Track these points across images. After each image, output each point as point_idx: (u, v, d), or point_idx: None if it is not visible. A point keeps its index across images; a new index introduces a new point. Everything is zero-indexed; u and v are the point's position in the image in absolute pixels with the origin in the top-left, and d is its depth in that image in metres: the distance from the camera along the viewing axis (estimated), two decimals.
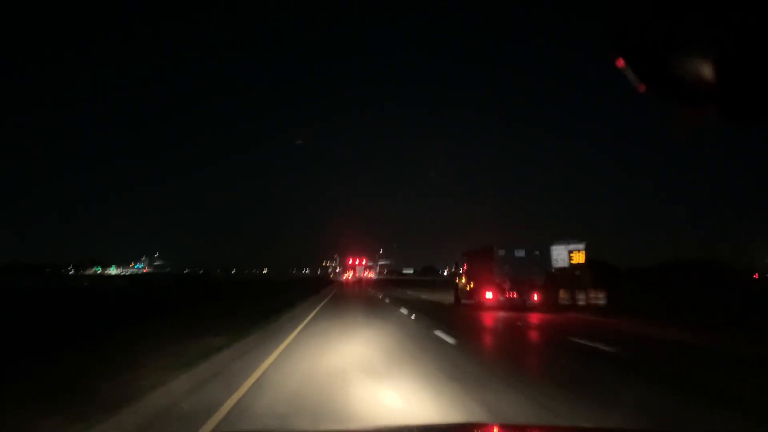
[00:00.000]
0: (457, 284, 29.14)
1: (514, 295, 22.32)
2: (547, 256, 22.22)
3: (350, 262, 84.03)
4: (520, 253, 22.18)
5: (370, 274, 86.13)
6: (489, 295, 22.52)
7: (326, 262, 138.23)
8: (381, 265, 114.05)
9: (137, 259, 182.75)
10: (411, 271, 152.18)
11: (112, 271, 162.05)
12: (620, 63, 1.13)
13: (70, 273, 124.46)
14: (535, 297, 22.27)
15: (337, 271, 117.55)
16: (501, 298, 22.32)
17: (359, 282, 72.65)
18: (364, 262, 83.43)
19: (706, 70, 1.05)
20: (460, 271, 28.29)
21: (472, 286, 25.40)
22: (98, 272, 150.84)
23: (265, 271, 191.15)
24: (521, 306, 22.06)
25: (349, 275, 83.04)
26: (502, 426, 3.36)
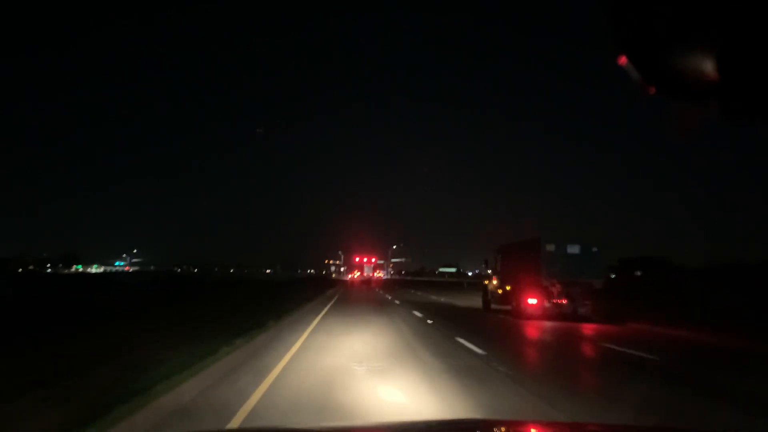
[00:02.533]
0: (486, 286, 26.62)
1: (563, 302, 19.63)
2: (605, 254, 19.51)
3: (357, 260, 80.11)
4: (573, 248, 19.40)
5: (380, 274, 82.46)
6: (532, 300, 19.82)
7: (329, 261, 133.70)
8: (394, 263, 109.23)
9: (130, 256, 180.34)
10: (452, 270, 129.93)
11: (94, 269, 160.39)
12: (622, 60, 1.15)
13: (48, 271, 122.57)
14: (588, 304, 19.63)
15: (342, 270, 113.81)
16: (547, 305, 19.63)
17: (368, 282, 69.11)
18: (373, 261, 79.61)
19: (708, 65, 1.07)
20: (493, 270, 25.64)
21: (508, 288, 22.74)
22: (80, 270, 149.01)
23: (268, 271, 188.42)
24: (572, 315, 19.42)
25: (354, 275, 79.47)
26: (506, 422, 3.79)
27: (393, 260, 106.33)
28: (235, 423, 5.17)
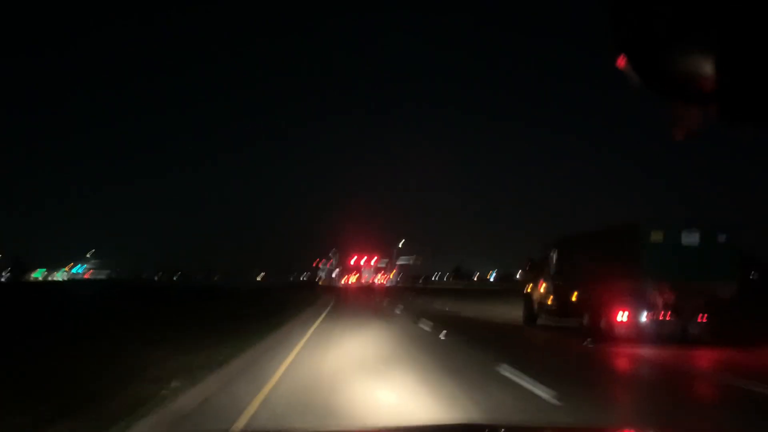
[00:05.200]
0: (530, 294, 21.31)
1: (668, 317, 14.15)
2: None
3: (353, 261, 71.58)
4: (691, 237, 13.93)
5: (382, 279, 73.80)
6: (623, 315, 14.30)
7: (320, 261, 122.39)
8: (400, 265, 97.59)
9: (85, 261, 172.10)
10: None
11: (59, 276, 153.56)
12: (621, 63, 1.15)
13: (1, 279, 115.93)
14: (704, 318, 14.25)
15: (334, 274, 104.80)
16: (645, 322, 14.13)
17: (369, 290, 61.41)
18: (373, 262, 71.11)
19: (708, 66, 1.07)
20: (541, 273, 20.24)
21: (574, 298, 17.20)
22: (39, 278, 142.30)
23: (260, 277, 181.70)
24: (679, 335, 14.02)
25: (351, 279, 71.48)
26: (505, 427, 3.80)
27: (401, 261, 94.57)
28: None
